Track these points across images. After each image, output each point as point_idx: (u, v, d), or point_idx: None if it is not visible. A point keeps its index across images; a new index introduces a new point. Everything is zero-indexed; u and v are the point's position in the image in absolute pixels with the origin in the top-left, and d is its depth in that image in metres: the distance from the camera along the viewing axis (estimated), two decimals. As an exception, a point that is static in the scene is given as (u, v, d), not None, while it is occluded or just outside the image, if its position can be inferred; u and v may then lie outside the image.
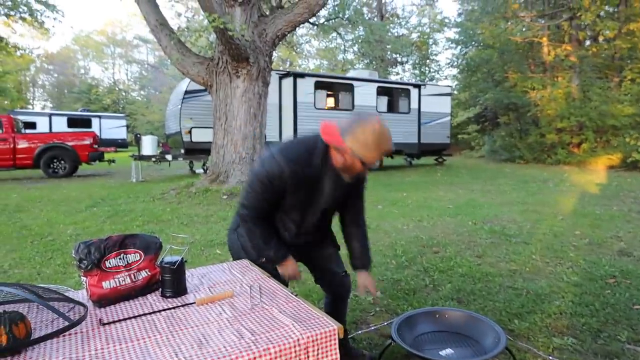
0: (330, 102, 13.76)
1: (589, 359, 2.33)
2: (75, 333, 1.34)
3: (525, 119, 18.53)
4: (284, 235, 2.00)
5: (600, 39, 18.56)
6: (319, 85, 12.83)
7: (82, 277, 1.58)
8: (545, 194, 8.50)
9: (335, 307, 2.24)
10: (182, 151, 11.93)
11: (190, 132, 11.61)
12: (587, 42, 18.73)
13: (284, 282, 1.96)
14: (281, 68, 26.96)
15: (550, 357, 2.32)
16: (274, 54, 9.42)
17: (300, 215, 1.94)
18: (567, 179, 10.93)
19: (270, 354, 1.22)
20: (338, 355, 1.34)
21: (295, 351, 1.26)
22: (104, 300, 1.55)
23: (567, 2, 16.61)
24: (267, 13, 8.92)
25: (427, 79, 27.99)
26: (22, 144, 11.81)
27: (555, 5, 18.23)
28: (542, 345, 2.46)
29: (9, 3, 14.91)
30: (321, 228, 2.10)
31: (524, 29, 18.44)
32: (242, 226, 1.97)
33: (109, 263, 1.58)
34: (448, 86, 18.66)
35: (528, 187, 9.55)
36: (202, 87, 9.18)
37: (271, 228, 1.96)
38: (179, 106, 11.68)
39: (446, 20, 27.88)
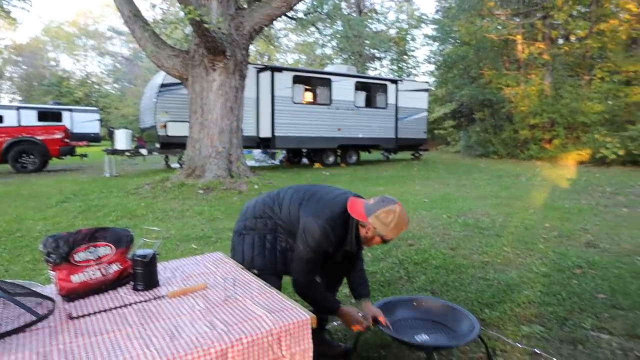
0: (308, 96, 13.74)
1: (555, 345, 2.41)
2: (43, 327, 1.32)
3: (500, 115, 18.91)
4: None
5: (572, 38, 19.07)
6: (297, 80, 12.79)
7: (50, 272, 1.55)
8: (518, 188, 8.71)
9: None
10: (158, 145, 11.73)
11: (165, 126, 11.42)
12: (560, 41, 19.22)
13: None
14: (259, 62, 26.76)
15: (519, 345, 2.40)
16: (252, 47, 9.34)
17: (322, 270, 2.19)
18: (539, 174, 11.22)
19: (242, 344, 1.23)
20: (311, 345, 1.36)
21: (268, 341, 1.27)
22: (73, 294, 1.53)
23: (540, 1, 16.98)
24: (245, 6, 8.83)
25: (404, 75, 28.21)
26: (-12, 138, 11.41)
27: (529, 4, 18.60)
28: (512, 333, 2.54)
29: (-26, -9, 14.31)
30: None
31: (499, 27, 18.79)
32: (304, 296, 2.05)
33: (78, 257, 1.56)
34: (425, 82, 18.86)
35: (501, 181, 9.77)
36: (178, 81, 9.04)
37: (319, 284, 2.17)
38: (155, 100, 11.47)
39: (424, 17, 28.17)
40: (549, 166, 13.60)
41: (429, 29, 26.20)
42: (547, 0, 16.12)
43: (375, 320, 2.09)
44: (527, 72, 19.03)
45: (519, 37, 18.37)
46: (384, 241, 1.93)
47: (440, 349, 2.23)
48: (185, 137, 9.00)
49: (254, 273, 1.95)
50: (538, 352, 2.33)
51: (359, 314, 2.06)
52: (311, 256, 1.93)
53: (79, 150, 13.29)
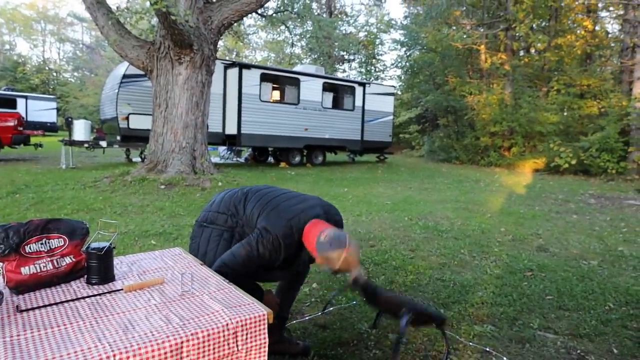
0: (276, 95, 13.68)
1: (505, 344, 2.52)
2: (-12, 320, 1.26)
3: (462, 122, 19.46)
4: None
5: (532, 50, 19.89)
6: (265, 78, 12.71)
7: (-2, 263, 1.48)
8: (477, 193, 9.00)
9: (288, 292, 2.37)
10: (118, 138, 11.37)
11: (127, 118, 11.08)
12: (521, 53, 20.00)
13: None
14: (227, 58, 26.41)
15: (471, 344, 2.49)
16: (220, 42, 9.22)
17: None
18: (497, 180, 11.63)
19: (198, 338, 1.22)
20: (267, 340, 1.36)
21: (224, 336, 1.27)
22: (22, 287, 1.47)
23: (504, 13, 17.60)
24: (214, 0, 8.70)
25: (372, 78, 28.57)
26: None
27: (493, 15, 19.26)
28: (465, 332, 2.63)
29: None
30: None
31: (464, 36, 19.32)
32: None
33: (29, 248, 1.50)
34: (392, 86, 19.16)
35: (462, 186, 10.06)
36: (142, 72, 8.80)
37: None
38: (116, 90, 11.11)
39: (392, 22, 28.57)
40: (507, 173, 14.12)
41: (397, 34, 26.59)
42: (510, 13, 16.73)
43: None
44: (489, 81, 19.69)
45: (482, 47, 18.98)
46: (335, 273, 2.02)
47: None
48: (148, 130, 8.78)
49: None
50: (488, 350, 2.43)
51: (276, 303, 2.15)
52: (253, 258, 1.89)
53: (33, 140, 12.69)
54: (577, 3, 17.38)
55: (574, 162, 13.45)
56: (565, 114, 16.67)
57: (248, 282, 1.95)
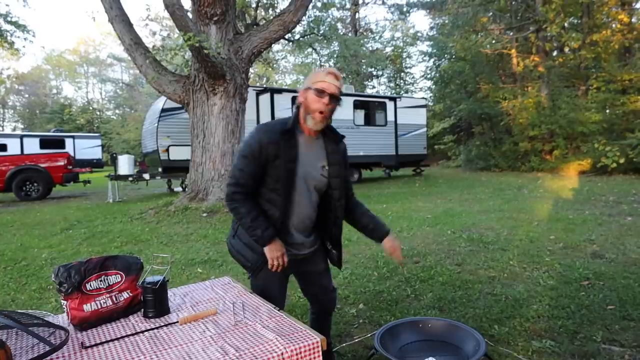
0: (308, 116, 13.83)
1: (567, 360, 2.39)
2: (57, 357, 1.33)
3: (499, 128, 19.03)
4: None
5: (566, 49, 19.31)
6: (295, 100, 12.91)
7: (62, 301, 1.56)
8: (521, 200, 8.71)
9: (321, 322, 2.26)
10: (160, 170, 11.80)
11: (167, 150, 11.51)
12: (554, 53, 19.44)
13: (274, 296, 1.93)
14: (258, 84, 27.08)
15: (530, 360, 2.38)
16: (251, 70, 9.48)
17: (285, 195, 1.84)
18: (541, 185, 11.22)
19: (255, 369, 1.23)
20: (322, 367, 1.36)
21: (280, 365, 1.28)
22: (85, 324, 1.54)
23: (533, 15, 17.24)
24: (243, 30, 8.99)
25: (402, 92, 28.50)
26: (-7, 167, 11.50)
27: (522, 18, 18.91)
28: (522, 349, 2.52)
29: (-23, 24, 14.59)
30: (317, 227, 2.03)
31: (493, 41, 19.05)
32: (232, 210, 1.86)
33: (90, 285, 1.58)
34: (423, 98, 19.03)
35: (504, 194, 9.77)
36: (179, 105, 9.15)
37: (259, 207, 1.87)
38: (156, 124, 11.58)
39: (419, 34, 28.58)
40: (550, 177, 13.61)
41: (424, 46, 26.59)
42: (539, 14, 16.37)
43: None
44: (523, 85, 19.22)
45: (513, 51, 18.62)
46: (322, 97, 1.79)
47: None
48: (188, 160, 9.06)
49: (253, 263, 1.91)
50: (550, 367, 2.32)
51: (281, 252, 1.86)
52: (239, 161, 1.84)
53: (82, 177, 13.38)
54: (610, -3, 16.84)
55: (622, 161, 12.82)
56: (607, 111, 15.99)
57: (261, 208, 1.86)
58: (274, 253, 1.83)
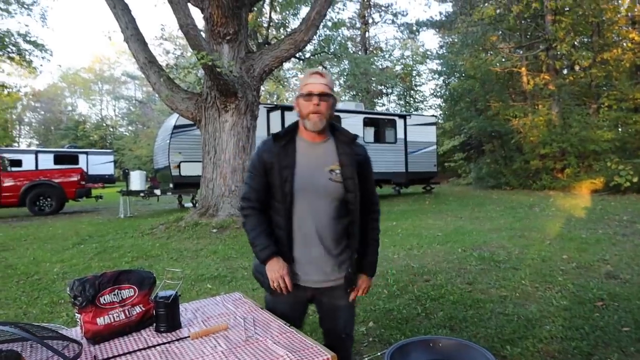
0: (318, 133, 13.91)
1: (582, 382, 2.35)
2: (71, 371, 1.34)
3: (509, 146, 18.93)
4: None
5: (577, 67, 19.29)
6: (306, 118, 13.01)
7: (76, 314, 1.58)
8: (532, 219, 8.62)
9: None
10: (171, 185, 11.91)
11: (179, 166, 11.63)
12: (565, 71, 19.43)
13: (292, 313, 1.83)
14: (269, 101, 27.37)
15: (544, 382, 2.34)
16: (261, 87, 9.62)
17: (284, 202, 1.77)
18: (553, 204, 11.10)
19: (266, 384, 1.24)
20: (333, 384, 1.36)
21: (290, 381, 1.28)
22: (98, 337, 1.56)
23: (542, 33, 17.31)
24: (255, 49, 9.15)
25: (412, 109, 28.60)
26: (7, 182, 11.69)
27: (531, 36, 18.98)
28: (535, 370, 2.48)
29: (-3, 44, 15.06)
30: (334, 241, 1.83)
31: (503, 60, 19.09)
32: (242, 225, 1.87)
33: (104, 299, 1.60)
34: (433, 116, 19.07)
35: (515, 212, 9.68)
36: (190, 122, 9.28)
37: (266, 224, 1.82)
38: (168, 141, 11.74)
39: (428, 53, 28.80)
40: (562, 196, 13.46)
41: (434, 64, 26.74)
42: (549, 33, 16.42)
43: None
44: (533, 103, 19.17)
45: (523, 69, 18.64)
46: (310, 99, 1.74)
47: None
48: (199, 176, 9.15)
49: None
50: (564, 389, 2.27)
51: (284, 272, 1.73)
52: (246, 176, 1.90)
53: (94, 192, 13.54)
54: (619, 16, 16.85)
55: (635, 179, 12.65)
56: (620, 130, 15.86)
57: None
58: (272, 273, 1.73)
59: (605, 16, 16.52)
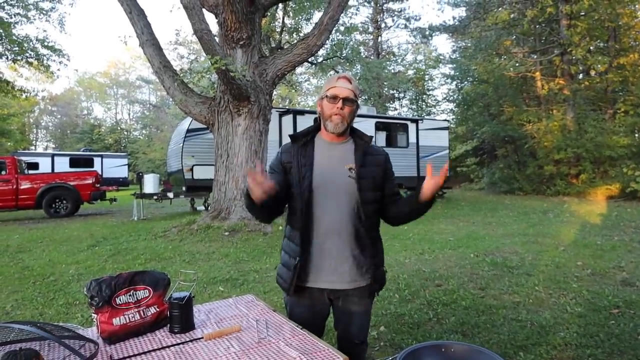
0: (330, 138, 13.94)
1: (596, 390, 2.32)
2: (87, 369, 1.36)
3: (523, 151, 18.76)
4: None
5: (592, 72, 19.06)
6: (318, 122, 13.05)
7: (93, 314, 1.61)
8: (546, 225, 8.52)
9: None
10: (184, 189, 12.02)
11: (192, 169, 11.73)
12: (580, 76, 19.21)
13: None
14: (281, 105, 27.50)
15: (557, 390, 2.31)
16: (274, 92, 9.67)
17: (302, 199, 1.76)
18: (567, 210, 10.96)
19: (278, 386, 1.25)
20: (345, 387, 1.36)
21: (303, 383, 1.29)
22: (114, 337, 1.58)
23: (557, 38, 17.15)
24: (267, 54, 9.21)
25: (424, 114, 28.46)
26: (24, 185, 11.91)
27: (546, 41, 18.81)
28: (549, 377, 2.46)
29: (16, 48, 15.36)
30: (354, 242, 1.80)
31: (517, 64, 18.95)
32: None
33: (120, 300, 1.62)
34: (445, 120, 18.97)
35: (528, 218, 9.57)
36: (204, 126, 9.36)
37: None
38: (181, 144, 11.86)
39: (441, 57, 28.67)
40: (577, 202, 13.28)
41: (446, 69, 26.64)
42: (564, 37, 16.26)
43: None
44: (548, 108, 18.98)
45: (537, 74, 18.47)
46: (335, 103, 1.77)
47: None
48: (211, 180, 9.22)
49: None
50: (578, 397, 2.24)
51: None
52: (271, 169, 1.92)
53: (108, 195, 13.71)
54: (636, 21, 16.63)
55: (652, 186, 12.45)
56: (636, 135, 15.63)
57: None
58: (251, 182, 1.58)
59: (621, 21, 16.33)
